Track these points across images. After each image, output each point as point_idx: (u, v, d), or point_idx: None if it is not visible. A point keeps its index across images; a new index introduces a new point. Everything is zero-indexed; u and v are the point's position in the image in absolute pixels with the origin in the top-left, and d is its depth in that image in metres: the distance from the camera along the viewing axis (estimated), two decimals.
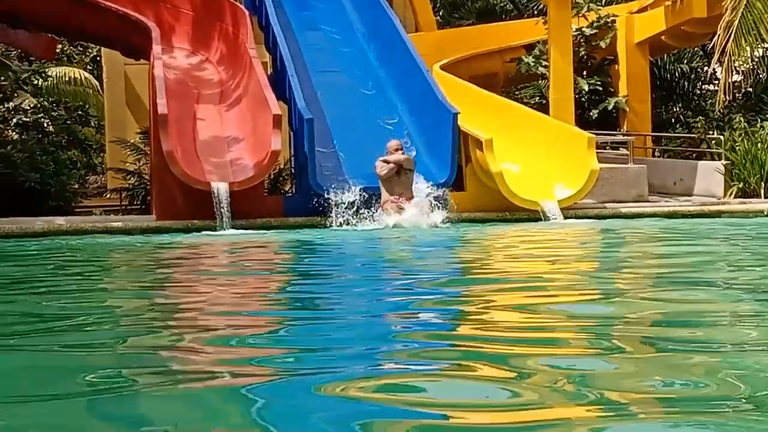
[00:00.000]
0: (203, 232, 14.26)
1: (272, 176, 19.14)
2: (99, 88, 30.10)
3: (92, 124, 32.15)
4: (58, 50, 27.94)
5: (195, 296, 5.91)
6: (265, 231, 14.57)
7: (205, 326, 4.50)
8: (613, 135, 23.12)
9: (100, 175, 29.56)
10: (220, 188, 14.99)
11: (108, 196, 24.44)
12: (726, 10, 18.75)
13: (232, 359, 3.59)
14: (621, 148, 22.02)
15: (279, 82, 17.81)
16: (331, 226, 15.08)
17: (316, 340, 3.92)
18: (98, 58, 32.27)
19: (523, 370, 3.16)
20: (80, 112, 31.07)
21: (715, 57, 19.57)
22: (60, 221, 15.70)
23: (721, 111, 21.86)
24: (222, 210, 14.86)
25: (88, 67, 33.19)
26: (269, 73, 19.04)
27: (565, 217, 16.08)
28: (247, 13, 19.56)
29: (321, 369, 3.26)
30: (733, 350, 3.45)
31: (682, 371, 3.10)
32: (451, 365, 3.37)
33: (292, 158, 19.64)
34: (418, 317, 4.66)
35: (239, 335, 4.20)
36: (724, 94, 19.00)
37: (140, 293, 6.27)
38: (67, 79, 29.99)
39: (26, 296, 6.07)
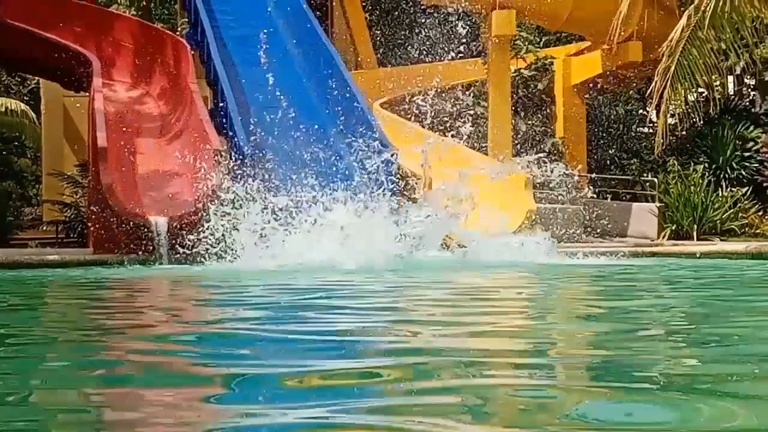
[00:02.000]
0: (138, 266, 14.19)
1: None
2: (36, 119, 29.91)
3: (28, 155, 31.91)
4: None
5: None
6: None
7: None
8: (550, 175, 23.38)
9: (35, 207, 29.31)
10: (159, 222, 14.94)
11: (44, 228, 24.25)
12: (663, 55, 19.11)
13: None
14: (557, 188, 22.27)
15: (220, 115, 17.85)
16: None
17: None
18: (36, 90, 32.09)
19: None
20: (16, 143, 30.82)
21: (654, 101, 19.93)
22: None
23: (657, 154, 22.25)
24: (160, 245, 14.82)
25: (25, 98, 32.97)
26: (210, 107, 19.06)
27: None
28: (188, 47, 19.59)
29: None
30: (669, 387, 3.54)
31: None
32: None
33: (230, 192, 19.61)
34: None
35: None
36: (662, 137, 19.33)
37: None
38: (3, 109, 29.75)
39: None
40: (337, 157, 17.98)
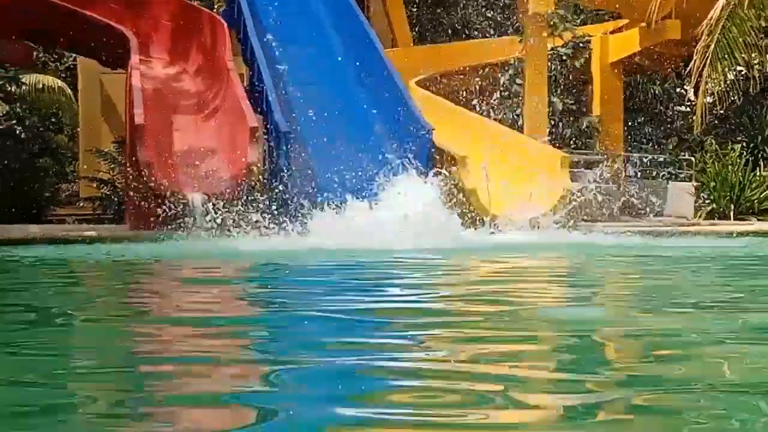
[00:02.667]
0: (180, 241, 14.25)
1: (247, 188, 19.11)
2: (73, 96, 30.01)
3: (65, 132, 32.01)
4: (33, 57, 27.86)
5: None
6: None
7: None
8: (586, 154, 23.27)
9: (72, 184, 29.44)
10: (196, 199, 15.00)
11: (81, 205, 24.38)
12: (702, 34, 18.95)
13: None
14: (594, 168, 22.15)
15: (256, 94, 17.86)
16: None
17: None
18: (73, 67, 32.19)
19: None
20: (53, 120, 30.93)
21: (693, 80, 19.79)
22: (34, 229, 15.68)
23: (696, 134, 22.11)
24: (197, 221, 14.86)
25: (62, 75, 33.07)
26: (246, 84, 19.07)
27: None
28: (225, 25, 19.58)
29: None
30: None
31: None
32: None
33: (266, 171, 19.66)
34: None
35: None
36: (700, 117, 19.19)
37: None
38: (41, 86, 29.84)
39: None
40: (375, 138, 17.95)
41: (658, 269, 9.41)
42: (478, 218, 16.03)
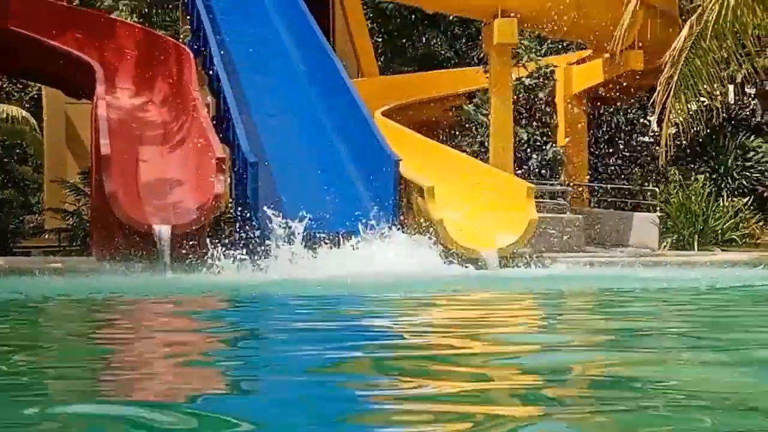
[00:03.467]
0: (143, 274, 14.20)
1: (213, 219, 19.08)
2: (37, 127, 29.91)
3: (29, 163, 31.90)
4: None
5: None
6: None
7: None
8: (551, 184, 23.40)
9: (37, 215, 29.30)
10: (162, 231, 14.94)
11: (46, 236, 24.25)
12: (665, 64, 19.14)
13: None
14: (559, 198, 22.30)
15: (222, 124, 17.85)
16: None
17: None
18: (37, 97, 32.09)
19: None
20: (18, 151, 30.83)
21: (657, 110, 19.98)
22: None
23: (660, 165, 22.29)
24: (163, 253, 14.82)
25: (27, 105, 32.96)
26: (212, 114, 19.06)
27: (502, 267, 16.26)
28: (191, 54, 19.57)
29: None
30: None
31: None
32: None
33: (233, 201, 19.64)
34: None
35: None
36: (665, 147, 19.36)
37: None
38: (4, 116, 29.73)
39: None
40: (342, 168, 17.97)
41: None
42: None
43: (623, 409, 3.52)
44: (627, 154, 28.02)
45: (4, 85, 30.68)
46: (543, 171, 24.39)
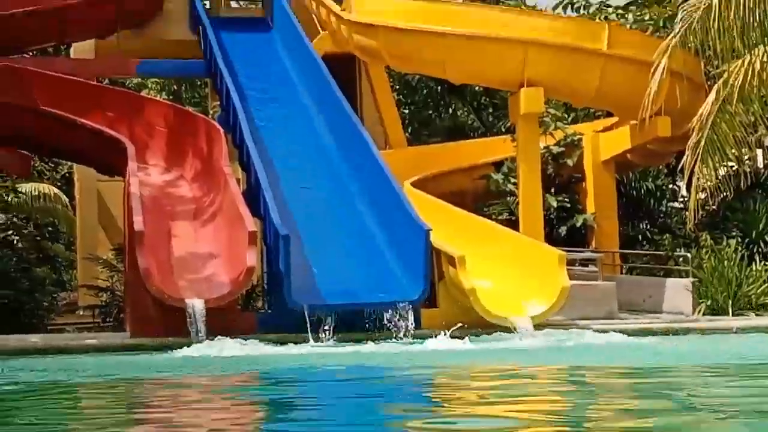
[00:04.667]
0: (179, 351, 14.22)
1: (245, 292, 19.17)
2: (68, 204, 30.20)
3: (62, 240, 32.16)
4: (31, 167, 28.09)
5: None
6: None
7: None
8: (582, 252, 23.36)
9: (69, 292, 29.47)
10: (196, 305, 15.02)
11: (80, 313, 24.38)
12: (692, 130, 19.17)
13: None
14: (590, 265, 22.25)
15: (253, 198, 17.96)
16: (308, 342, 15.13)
17: None
18: (68, 175, 32.45)
19: None
20: (50, 229, 31.10)
21: (685, 176, 19.98)
22: (34, 338, 15.67)
23: (690, 229, 22.24)
24: (197, 326, 14.87)
25: (58, 183, 33.31)
26: (243, 189, 19.20)
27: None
28: (221, 130, 19.76)
29: None
30: None
31: None
32: None
33: (265, 274, 19.70)
34: None
35: None
36: (693, 212, 19.33)
37: None
38: (37, 194, 30.03)
39: None
40: (372, 240, 18.01)
41: None
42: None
43: None
44: (657, 219, 27.97)
45: (36, 164, 31.02)
46: (573, 238, 24.37)
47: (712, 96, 19.18)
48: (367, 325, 15.97)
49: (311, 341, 15.17)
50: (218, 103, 22.93)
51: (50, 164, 33.85)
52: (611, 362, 11.75)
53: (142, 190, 17.57)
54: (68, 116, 20.21)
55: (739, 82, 18.47)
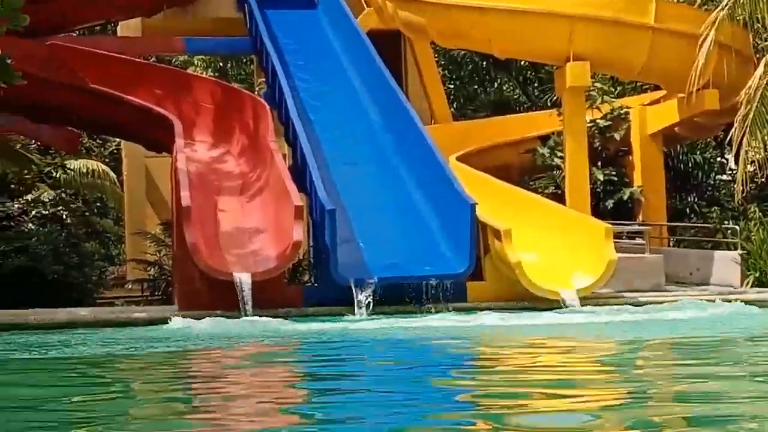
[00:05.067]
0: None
1: (292, 266, 19.27)
2: (116, 180, 30.44)
3: (110, 216, 32.43)
4: (79, 143, 28.30)
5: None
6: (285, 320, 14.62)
7: None
8: (629, 225, 23.25)
9: (118, 267, 29.77)
10: (243, 279, 15.15)
11: (129, 287, 24.63)
12: (741, 103, 18.99)
13: None
14: (637, 238, 22.14)
15: (299, 173, 18.04)
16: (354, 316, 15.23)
17: None
18: (116, 151, 32.69)
19: None
20: (98, 204, 31.39)
21: (733, 148, 19.83)
22: (84, 312, 15.86)
23: (738, 202, 22.07)
24: (244, 300, 15.00)
25: (106, 160, 33.55)
26: (289, 164, 19.28)
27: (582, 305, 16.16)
28: (267, 107, 19.85)
29: None
30: None
31: None
32: None
33: (311, 248, 19.80)
34: None
35: None
36: (742, 185, 19.17)
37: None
38: (85, 170, 30.26)
39: None
40: (416, 210, 18.07)
41: None
42: None
43: None
44: (705, 192, 27.76)
45: (84, 141, 31.26)
46: (620, 212, 24.24)
47: (760, 69, 19.01)
48: (411, 300, 16.03)
49: (357, 314, 15.26)
50: (264, 80, 23.00)
51: (98, 141, 34.08)
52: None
53: (189, 166, 17.69)
54: (116, 93, 20.39)
55: None
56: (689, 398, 5.64)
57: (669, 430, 4.30)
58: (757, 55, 21.79)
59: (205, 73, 33.14)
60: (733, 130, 19.25)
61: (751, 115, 18.73)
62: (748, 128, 18.88)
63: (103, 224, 30.89)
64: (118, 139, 30.75)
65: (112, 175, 30.86)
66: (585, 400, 5.61)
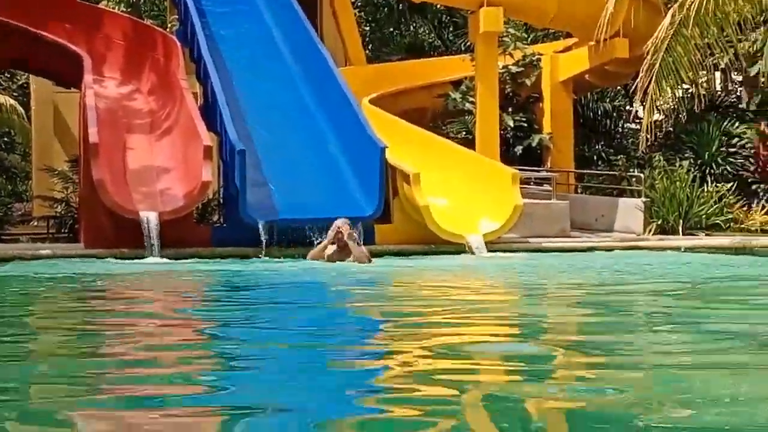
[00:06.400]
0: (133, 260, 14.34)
1: (200, 206, 19.22)
2: (24, 115, 29.97)
3: (18, 151, 32.00)
4: None
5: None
6: (193, 260, 14.66)
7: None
8: (537, 171, 23.56)
9: (25, 203, 29.39)
10: (150, 217, 15.09)
11: (35, 224, 24.35)
12: (648, 52, 19.26)
13: None
14: (544, 184, 22.46)
15: (210, 113, 17.96)
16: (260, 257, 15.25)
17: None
18: (25, 86, 32.16)
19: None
20: (6, 139, 30.92)
21: (638, 97, 20.13)
22: None
23: (643, 150, 22.45)
24: (151, 239, 14.97)
25: (15, 94, 33.01)
26: (200, 103, 19.16)
27: (489, 251, 16.40)
28: (178, 44, 19.68)
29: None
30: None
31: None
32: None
33: (221, 188, 19.76)
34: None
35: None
36: (647, 133, 19.49)
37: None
38: None
39: None
40: (327, 152, 18.12)
41: None
42: None
43: None
44: (613, 140, 28.18)
45: None
46: (529, 157, 24.54)
47: (667, 19, 19.24)
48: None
49: (263, 255, 15.31)
50: (177, 17, 22.76)
51: (6, 75, 33.52)
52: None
53: (97, 102, 17.51)
54: (25, 27, 20.03)
55: (695, 6, 18.54)
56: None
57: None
58: (667, 5, 22.08)
59: (117, 8, 32.63)
60: (639, 78, 19.53)
61: (657, 65, 18.99)
62: (654, 78, 19.15)
63: (10, 159, 30.46)
64: (26, 73, 30.24)
65: (20, 109, 30.37)
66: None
